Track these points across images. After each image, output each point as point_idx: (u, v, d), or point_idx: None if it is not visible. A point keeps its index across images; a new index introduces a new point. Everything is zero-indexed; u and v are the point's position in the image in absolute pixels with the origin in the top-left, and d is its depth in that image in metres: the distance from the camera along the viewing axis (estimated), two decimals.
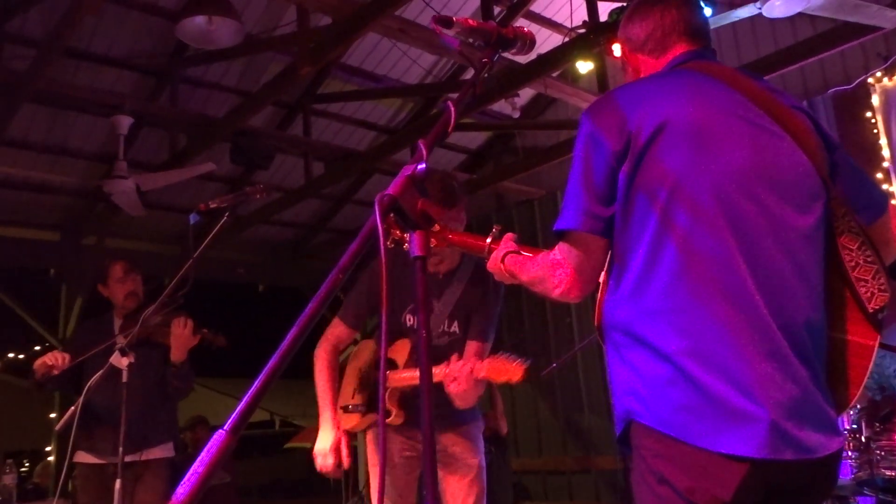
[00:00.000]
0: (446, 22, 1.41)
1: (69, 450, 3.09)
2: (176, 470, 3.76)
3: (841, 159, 1.62)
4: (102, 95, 5.38)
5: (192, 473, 0.81)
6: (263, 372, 0.90)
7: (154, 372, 3.46)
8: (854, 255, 1.54)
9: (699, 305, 1.42)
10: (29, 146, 6.05)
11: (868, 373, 1.51)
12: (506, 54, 1.52)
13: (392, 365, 2.77)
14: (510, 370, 2.36)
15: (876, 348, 1.53)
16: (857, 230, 1.55)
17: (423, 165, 1.16)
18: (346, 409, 2.84)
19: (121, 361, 2.74)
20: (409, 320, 2.83)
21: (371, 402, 2.81)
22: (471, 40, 1.46)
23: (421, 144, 1.19)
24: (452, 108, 1.29)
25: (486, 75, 1.44)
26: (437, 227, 2.01)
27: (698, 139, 1.49)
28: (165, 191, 5.92)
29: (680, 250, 1.44)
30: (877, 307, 1.52)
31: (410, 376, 2.66)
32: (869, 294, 1.53)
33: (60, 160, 6.29)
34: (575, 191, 1.54)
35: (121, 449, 2.75)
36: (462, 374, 2.43)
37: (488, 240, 1.93)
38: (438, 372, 2.48)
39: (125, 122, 5.15)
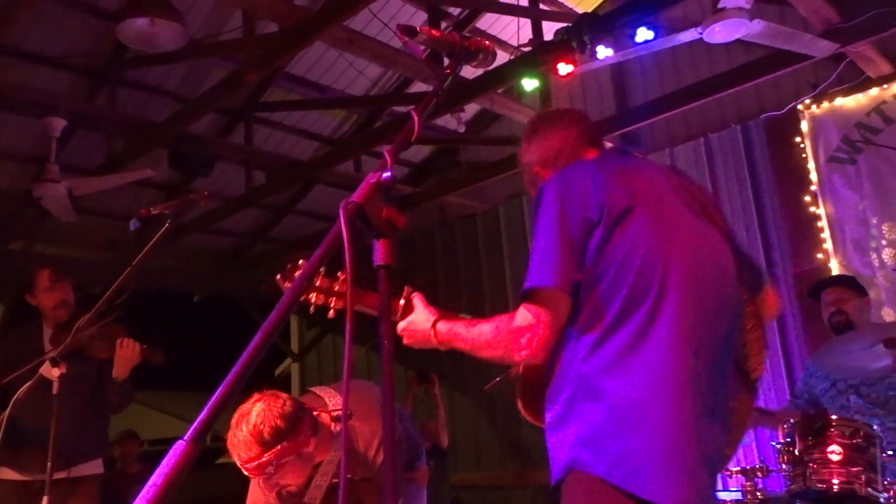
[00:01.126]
0: (411, 31, 1.41)
1: None
2: (105, 486, 3.62)
3: (738, 244, 1.87)
4: (36, 95, 5.17)
5: (150, 486, 0.78)
6: (227, 379, 0.87)
7: (87, 385, 3.33)
8: (746, 334, 1.80)
9: (653, 368, 1.54)
10: None
11: (744, 433, 1.79)
12: (467, 66, 1.52)
13: None
14: None
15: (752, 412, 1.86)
16: (752, 311, 1.81)
17: (389, 173, 1.15)
18: None
19: (51, 372, 2.62)
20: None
21: None
22: (434, 50, 1.47)
23: (386, 152, 1.18)
24: (416, 117, 1.29)
25: (448, 86, 1.45)
26: (340, 281, 1.94)
27: (661, 217, 1.65)
28: (100, 196, 5.74)
29: (646, 316, 1.57)
30: (756, 377, 1.80)
31: None
32: (753, 367, 1.80)
33: None
34: (552, 251, 1.60)
35: (49, 465, 2.62)
36: None
37: (401, 301, 1.90)
38: None
39: (58, 124, 4.96)
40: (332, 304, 1.92)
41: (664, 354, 1.54)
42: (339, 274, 1.96)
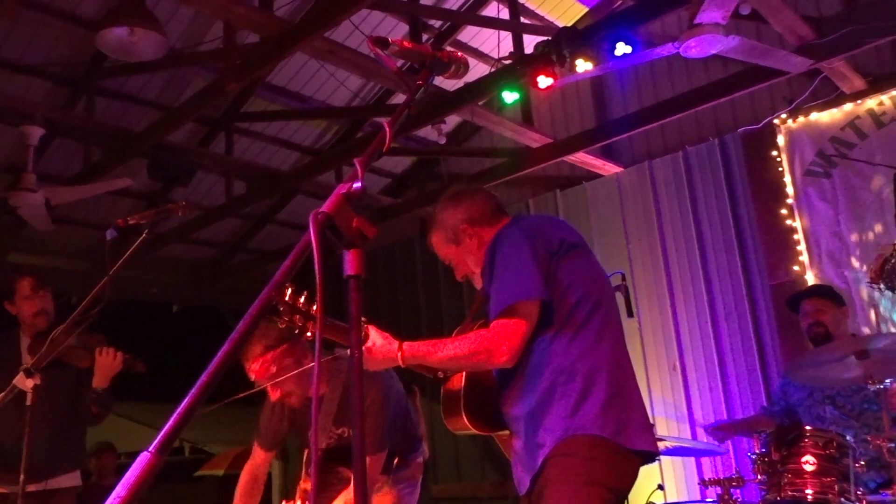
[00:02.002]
0: (383, 43, 1.42)
1: None
2: (80, 499, 3.57)
3: None
4: (12, 103, 5.12)
5: (114, 497, 0.77)
6: (192, 390, 0.87)
7: (63, 395, 3.28)
8: None
9: (611, 357, 2.07)
10: None
11: None
12: (439, 77, 1.53)
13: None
14: None
15: None
16: None
17: (360, 184, 1.16)
18: None
19: (25, 383, 2.58)
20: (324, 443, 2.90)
21: None
22: (406, 61, 1.48)
23: (357, 163, 1.19)
24: (388, 128, 1.29)
25: (419, 97, 1.45)
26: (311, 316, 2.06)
27: (587, 254, 2.23)
28: (77, 205, 5.68)
29: (601, 320, 2.09)
30: None
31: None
32: None
33: None
34: (526, 271, 2.02)
35: (22, 477, 2.58)
36: None
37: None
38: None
39: (35, 132, 4.91)
40: (307, 327, 2.03)
41: (617, 347, 2.10)
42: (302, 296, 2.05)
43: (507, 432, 2.20)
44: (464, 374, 2.20)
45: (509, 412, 2.12)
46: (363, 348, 2.00)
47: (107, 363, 3.25)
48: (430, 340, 2.08)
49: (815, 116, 5.36)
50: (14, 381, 2.60)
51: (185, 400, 0.86)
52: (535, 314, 2.01)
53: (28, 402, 2.63)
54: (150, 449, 0.83)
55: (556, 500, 1.91)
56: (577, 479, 1.90)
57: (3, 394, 2.65)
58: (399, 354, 2.02)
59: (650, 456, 2.04)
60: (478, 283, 2.31)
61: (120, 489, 0.79)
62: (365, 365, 2.00)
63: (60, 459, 3.32)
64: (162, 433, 0.83)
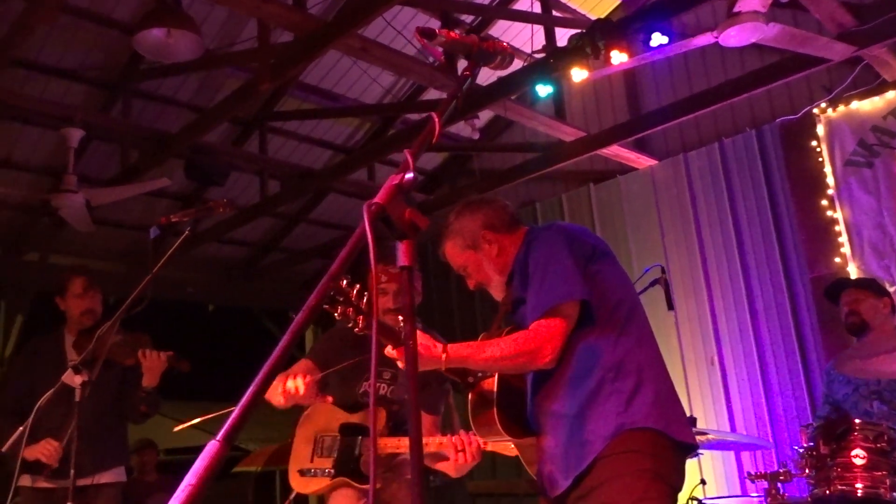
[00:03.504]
0: (429, 34, 1.41)
1: (16, 472, 2.94)
2: (124, 496, 3.63)
3: None
4: (51, 107, 5.22)
5: (184, 486, 0.78)
6: (256, 379, 0.87)
7: (109, 393, 3.34)
8: None
9: (653, 355, 2.12)
10: None
11: None
12: (485, 68, 1.52)
13: (366, 432, 2.86)
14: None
15: None
16: None
17: (411, 175, 1.15)
18: (306, 473, 2.90)
19: (73, 379, 2.63)
20: (383, 389, 2.95)
21: (341, 466, 2.85)
22: (453, 52, 1.47)
23: (407, 154, 1.19)
24: (437, 119, 1.29)
25: (467, 88, 1.45)
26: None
27: (616, 263, 2.24)
28: (115, 206, 5.77)
29: (639, 321, 2.14)
30: None
31: (396, 444, 2.73)
32: None
33: (4, 173, 6.07)
34: (568, 271, 2.05)
35: (72, 472, 2.63)
36: (471, 448, 2.52)
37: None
38: (439, 441, 2.60)
39: (76, 134, 5.01)
40: (359, 321, 2.07)
41: (655, 346, 2.14)
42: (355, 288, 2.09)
43: (530, 439, 2.18)
44: (496, 379, 2.19)
45: (550, 408, 2.10)
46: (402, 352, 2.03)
47: (153, 363, 3.31)
48: (472, 343, 2.10)
49: (856, 105, 5.25)
50: (63, 378, 2.64)
51: (250, 389, 0.86)
52: (575, 315, 2.03)
53: (76, 399, 2.67)
54: (217, 438, 0.83)
55: (625, 497, 1.89)
56: (644, 475, 1.90)
57: (51, 391, 2.69)
58: (443, 356, 2.03)
59: (693, 450, 2.07)
60: (495, 293, 2.33)
61: (190, 477, 0.80)
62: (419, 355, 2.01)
63: (106, 455, 3.38)
64: (228, 424, 0.84)
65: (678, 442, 1.98)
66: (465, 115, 5.51)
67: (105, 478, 3.38)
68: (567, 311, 2.02)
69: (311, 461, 2.90)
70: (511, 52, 1.52)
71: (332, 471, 2.84)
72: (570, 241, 2.14)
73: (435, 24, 5.78)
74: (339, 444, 2.90)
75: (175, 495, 0.77)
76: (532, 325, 2.02)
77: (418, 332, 2.00)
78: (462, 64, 1.50)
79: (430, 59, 4.84)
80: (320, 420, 2.97)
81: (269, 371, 0.88)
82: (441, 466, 2.76)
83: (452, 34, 1.42)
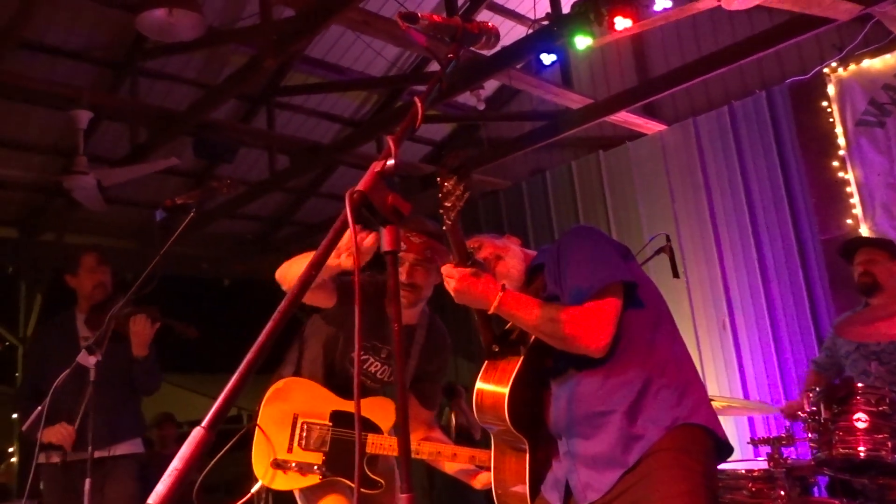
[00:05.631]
0: (412, 18, 1.42)
1: (36, 450, 3.04)
2: (144, 468, 3.73)
3: None
4: (59, 88, 5.26)
5: (171, 470, 0.82)
6: (240, 367, 0.91)
7: (119, 365, 3.41)
8: None
9: (686, 351, 2.10)
10: None
11: None
12: (471, 49, 1.53)
13: (372, 427, 2.58)
14: None
15: None
16: None
17: (393, 161, 1.17)
18: (282, 466, 2.51)
19: (88, 360, 2.70)
20: (375, 367, 2.65)
21: (335, 465, 2.52)
22: (436, 35, 1.47)
23: (390, 140, 1.20)
24: (419, 104, 1.30)
25: (450, 70, 1.45)
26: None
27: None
28: (126, 186, 5.83)
29: (671, 318, 2.12)
30: None
31: (413, 450, 2.50)
32: None
33: (16, 155, 6.14)
34: (613, 258, 2.03)
35: (90, 448, 2.71)
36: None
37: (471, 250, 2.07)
38: (470, 455, 2.53)
39: (84, 116, 5.04)
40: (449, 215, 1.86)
41: (683, 342, 2.11)
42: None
43: (525, 444, 2.07)
44: (519, 364, 2.07)
45: (593, 410, 1.97)
46: (473, 271, 1.94)
47: (138, 329, 3.37)
48: (530, 297, 2.00)
49: (867, 64, 5.17)
50: (77, 359, 2.71)
51: (232, 380, 0.90)
52: (621, 299, 1.97)
53: (91, 378, 2.74)
54: (203, 425, 0.87)
55: (672, 487, 1.85)
56: (695, 474, 1.88)
57: (66, 372, 2.76)
58: (499, 296, 1.93)
59: (730, 453, 2.05)
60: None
61: (176, 462, 0.84)
62: (458, 286, 1.94)
63: (121, 427, 3.48)
64: (212, 411, 0.88)
65: (723, 443, 1.98)
66: (470, 85, 5.48)
67: (121, 449, 3.47)
68: (617, 292, 1.97)
69: (290, 451, 2.52)
70: (496, 32, 1.52)
71: (323, 468, 2.51)
72: (605, 236, 2.16)
73: None
74: (330, 436, 2.55)
75: (162, 479, 0.82)
76: (586, 304, 1.93)
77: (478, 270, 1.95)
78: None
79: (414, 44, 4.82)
80: (299, 400, 2.59)
81: (252, 360, 0.92)
82: (464, 477, 2.59)
83: (435, 17, 1.42)
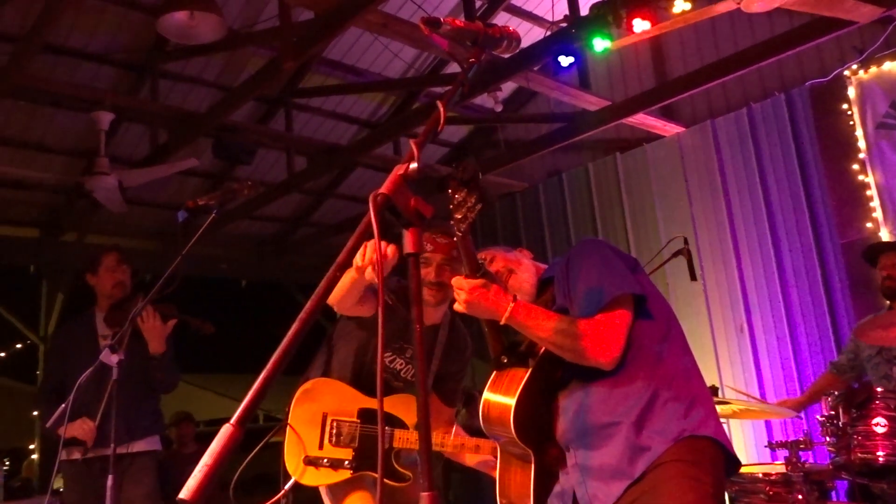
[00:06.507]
0: (434, 23, 1.43)
1: (60, 447, 3.09)
2: (161, 466, 3.77)
3: None
4: (81, 90, 5.33)
5: (201, 465, 0.84)
6: (268, 366, 0.93)
7: (139, 364, 3.45)
8: None
9: (694, 364, 2.09)
10: (6, 142, 6.00)
11: None
12: (492, 52, 1.54)
13: (397, 423, 2.67)
14: None
15: None
16: None
17: (416, 164, 1.19)
18: (315, 463, 2.61)
19: (111, 359, 2.74)
20: (400, 365, 2.72)
21: (364, 460, 2.61)
22: (458, 40, 1.49)
23: (412, 144, 1.22)
24: (442, 107, 1.32)
25: (472, 74, 1.47)
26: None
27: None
28: (146, 187, 5.89)
29: (679, 330, 2.10)
30: None
31: (438, 443, 2.63)
32: None
33: (38, 156, 6.23)
34: (622, 270, 2.02)
35: (113, 445, 2.74)
36: None
37: (482, 261, 2.08)
38: (494, 446, 2.51)
39: (106, 117, 5.11)
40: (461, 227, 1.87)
41: (692, 354, 2.10)
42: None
43: (531, 456, 2.07)
44: (523, 382, 2.05)
45: (600, 421, 1.98)
46: (483, 283, 1.94)
47: (150, 326, 3.42)
48: (541, 308, 2.00)
49: (889, 66, 5.13)
50: (101, 358, 2.75)
51: (261, 375, 0.92)
52: (632, 311, 1.98)
53: (114, 377, 2.78)
54: (231, 422, 0.89)
55: (679, 497, 1.85)
56: (702, 486, 1.86)
57: (89, 370, 2.79)
58: (510, 308, 1.93)
59: (738, 468, 2.06)
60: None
61: (207, 458, 0.86)
62: (469, 298, 1.94)
63: (139, 424, 3.52)
64: (241, 407, 0.90)
65: (731, 457, 1.98)
66: (487, 87, 5.49)
67: (139, 446, 3.51)
68: (627, 305, 1.97)
69: (321, 448, 2.63)
70: (518, 36, 1.53)
71: (353, 463, 2.60)
72: (614, 249, 2.13)
73: None
74: (359, 432, 2.65)
75: (193, 475, 0.84)
76: (597, 317, 1.94)
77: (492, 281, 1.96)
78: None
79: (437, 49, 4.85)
80: (328, 400, 2.68)
81: (280, 357, 0.94)
82: (485, 468, 2.69)
83: (457, 22, 1.44)
